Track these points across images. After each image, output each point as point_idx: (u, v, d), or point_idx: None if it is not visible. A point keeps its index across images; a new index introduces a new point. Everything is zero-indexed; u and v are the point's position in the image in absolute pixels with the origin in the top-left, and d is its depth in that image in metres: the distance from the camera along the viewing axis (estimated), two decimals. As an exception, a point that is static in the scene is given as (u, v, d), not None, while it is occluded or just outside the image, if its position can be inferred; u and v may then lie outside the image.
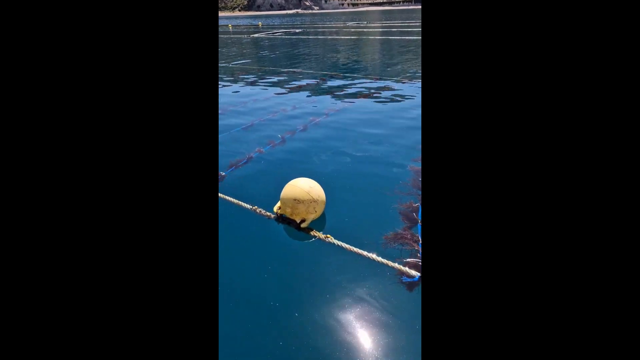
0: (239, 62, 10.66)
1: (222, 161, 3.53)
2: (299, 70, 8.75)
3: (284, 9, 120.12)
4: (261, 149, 3.82)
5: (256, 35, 21.06)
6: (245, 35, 21.27)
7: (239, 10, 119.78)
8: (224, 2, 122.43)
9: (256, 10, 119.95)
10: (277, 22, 41.73)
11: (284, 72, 8.57)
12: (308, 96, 6.12)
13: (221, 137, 4.27)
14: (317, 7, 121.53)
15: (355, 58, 10.53)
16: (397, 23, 26.12)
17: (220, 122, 4.87)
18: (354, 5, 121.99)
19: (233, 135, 4.31)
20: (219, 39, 19.25)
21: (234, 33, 24.00)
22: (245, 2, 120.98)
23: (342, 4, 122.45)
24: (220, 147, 3.97)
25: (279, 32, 22.13)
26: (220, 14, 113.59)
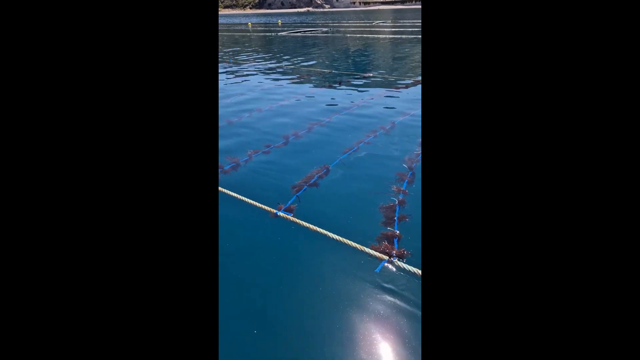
0: (305, 63, 9.79)
1: (368, 205, 2.67)
2: (370, 74, 7.88)
3: (295, 7, 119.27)
4: (400, 187, 2.97)
5: (284, 33, 20.21)
6: (273, 34, 20.44)
7: (250, 8, 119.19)
8: (236, 0, 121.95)
9: (267, 8, 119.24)
10: (296, 20, 40.85)
11: (358, 76, 7.71)
12: (402, 107, 5.24)
13: (334, 166, 3.42)
14: (329, 6, 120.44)
15: (415, 59, 9.63)
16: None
17: (321, 137, 4.04)
18: (365, 3, 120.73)
19: (353, 166, 3.43)
20: (251, 37, 18.50)
21: (259, 31, 23.19)
22: (257, 0, 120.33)
23: (354, 3, 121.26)
24: (348, 180, 3.13)
25: (307, 31, 21.25)
26: (231, 11, 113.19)
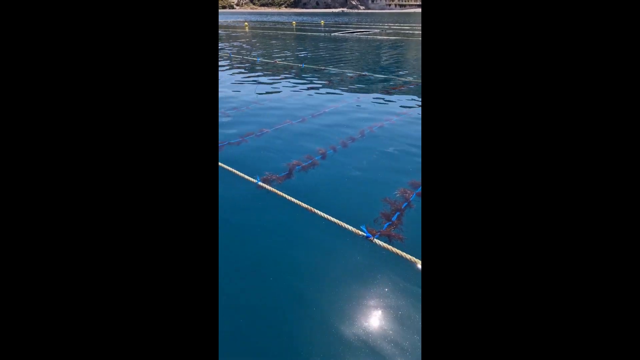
0: (392, 68, 8.88)
1: None
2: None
3: (330, 7, 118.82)
4: None
5: (338, 34, 19.34)
6: (325, 34, 19.63)
7: (285, 7, 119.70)
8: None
9: (302, 8, 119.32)
10: (337, 20, 39.99)
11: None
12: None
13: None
14: (364, 7, 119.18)
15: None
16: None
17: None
18: (401, 6, 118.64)
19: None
20: (307, 36, 17.77)
21: (309, 30, 22.47)
22: (292, 0, 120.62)
23: (389, 5, 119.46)
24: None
25: (359, 32, 20.31)
26: (267, 9, 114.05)
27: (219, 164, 3.41)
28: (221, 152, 3.75)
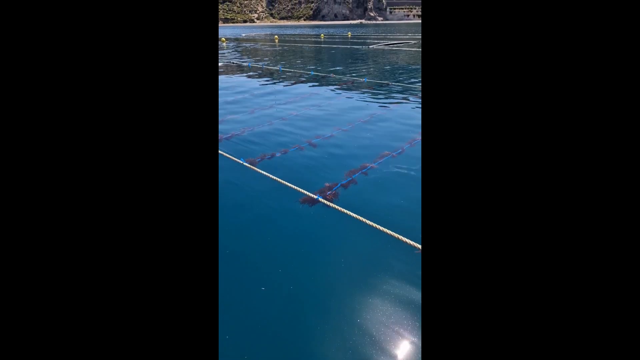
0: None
1: None
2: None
3: (348, 19, 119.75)
4: None
5: (375, 47, 18.59)
6: (364, 46, 18.92)
7: (304, 20, 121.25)
8: (291, 12, 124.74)
9: (321, 20, 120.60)
10: (363, 32, 39.48)
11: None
12: None
13: None
14: (382, 18, 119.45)
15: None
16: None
17: None
18: (419, 16, 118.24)
19: None
20: (344, 49, 17.15)
21: (340, 43, 21.89)
22: (311, 12, 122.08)
23: (408, 15, 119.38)
24: None
25: (395, 44, 19.53)
26: (287, 22, 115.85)
27: (359, 218, 2.53)
28: (337, 200, 2.89)
